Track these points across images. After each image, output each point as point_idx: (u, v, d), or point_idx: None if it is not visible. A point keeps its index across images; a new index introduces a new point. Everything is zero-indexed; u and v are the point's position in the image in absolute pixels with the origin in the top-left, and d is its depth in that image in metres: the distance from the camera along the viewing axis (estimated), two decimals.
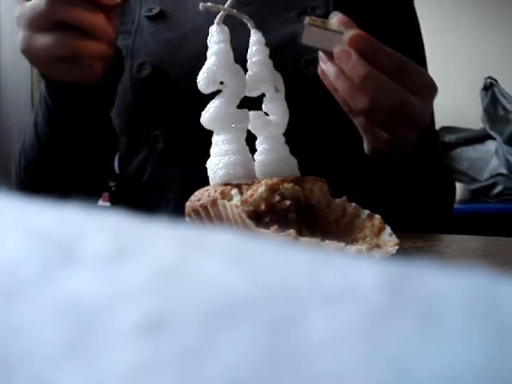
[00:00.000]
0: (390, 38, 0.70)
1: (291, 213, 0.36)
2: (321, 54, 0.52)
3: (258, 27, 0.66)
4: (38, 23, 0.51)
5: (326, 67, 0.51)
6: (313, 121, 0.64)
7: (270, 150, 0.40)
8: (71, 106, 0.60)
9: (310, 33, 0.50)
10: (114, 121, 0.68)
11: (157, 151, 0.69)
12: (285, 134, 0.42)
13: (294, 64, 0.64)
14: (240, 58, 0.41)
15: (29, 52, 0.53)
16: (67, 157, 0.63)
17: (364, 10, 0.69)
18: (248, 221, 0.33)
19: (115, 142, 0.71)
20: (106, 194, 0.93)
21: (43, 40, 0.51)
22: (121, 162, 0.75)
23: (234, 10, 0.41)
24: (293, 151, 0.41)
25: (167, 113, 0.68)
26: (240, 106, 0.39)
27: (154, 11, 0.71)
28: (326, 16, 0.65)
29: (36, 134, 0.64)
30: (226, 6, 0.41)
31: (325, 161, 0.63)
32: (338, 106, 0.65)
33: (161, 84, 0.67)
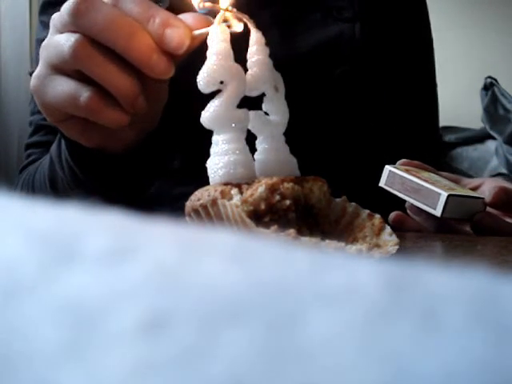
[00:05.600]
0: (408, 41, 0.71)
1: (291, 213, 0.36)
2: (410, 206, 0.48)
3: (285, 33, 0.64)
4: (58, 66, 0.42)
5: (420, 220, 0.49)
6: (315, 122, 0.64)
7: (269, 150, 0.40)
8: (100, 175, 0.50)
9: (451, 204, 0.44)
10: None
11: (172, 169, 0.63)
12: (285, 134, 0.42)
13: (324, 73, 0.63)
14: (240, 58, 0.41)
15: (39, 93, 0.43)
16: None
17: (388, 12, 0.69)
18: (248, 220, 0.33)
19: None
20: None
21: (59, 84, 0.42)
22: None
23: (234, 10, 0.41)
24: (293, 151, 0.41)
25: (186, 128, 0.60)
26: (240, 106, 0.39)
27: (162, 5, 0.63)
28: (354, 19, 0.64)
29: (54, 190, 0.55)
30: (225, 5, 0.41)
31: (325, 161, 0.62)
32: (350, 113, 0.65)
33: (178, 97, 0.59)
